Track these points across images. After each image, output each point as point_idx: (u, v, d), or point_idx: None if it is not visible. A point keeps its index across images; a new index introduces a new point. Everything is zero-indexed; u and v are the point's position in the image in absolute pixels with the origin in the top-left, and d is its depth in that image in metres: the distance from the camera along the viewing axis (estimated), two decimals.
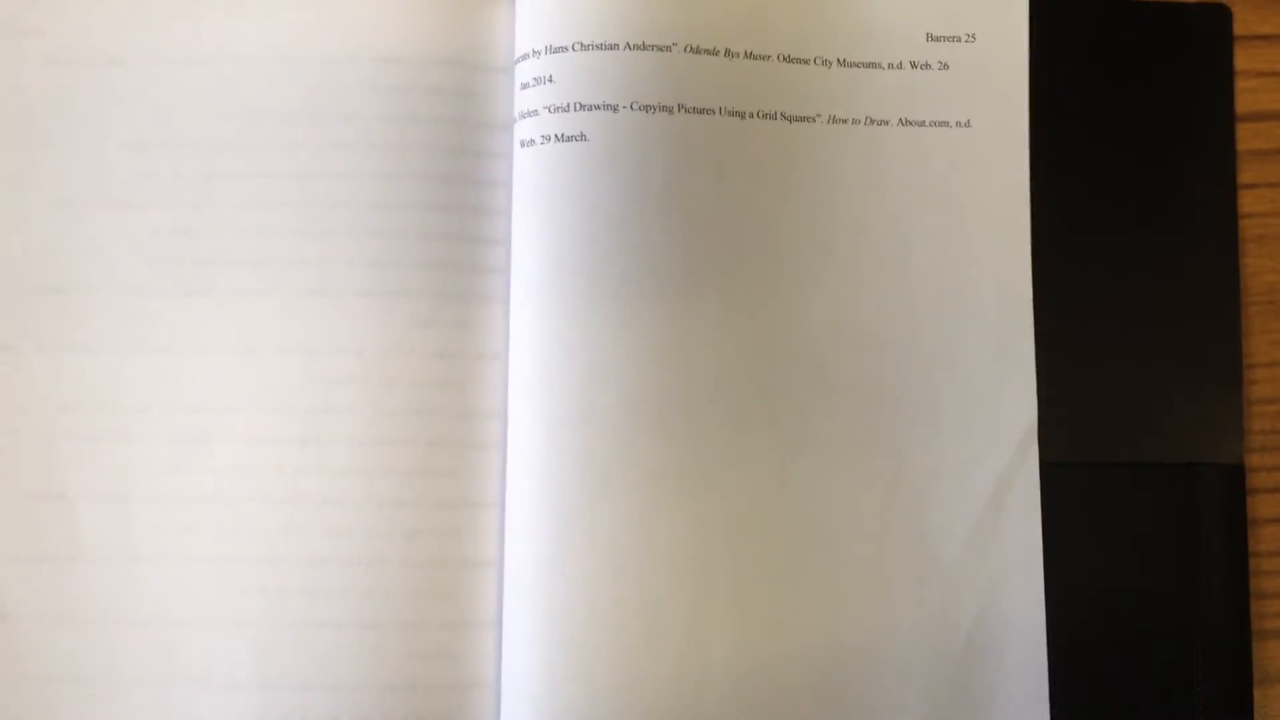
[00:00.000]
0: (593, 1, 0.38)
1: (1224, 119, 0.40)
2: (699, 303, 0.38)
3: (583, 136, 0.38)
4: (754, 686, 0.37)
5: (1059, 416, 0.39)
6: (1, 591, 0.37)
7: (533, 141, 0.38)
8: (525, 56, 0.39)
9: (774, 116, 0.39)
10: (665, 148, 0.38)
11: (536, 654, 0.36)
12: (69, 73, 0.39)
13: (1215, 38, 0.41)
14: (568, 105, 0.38)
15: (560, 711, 0.36)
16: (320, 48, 0.39)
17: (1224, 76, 0.41)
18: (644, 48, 0.38)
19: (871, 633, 0.38)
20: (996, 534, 0.38)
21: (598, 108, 0.38)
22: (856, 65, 0.40)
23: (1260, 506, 0.39)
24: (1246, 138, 0.41)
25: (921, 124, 0.40)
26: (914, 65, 0.40)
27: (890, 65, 0.40)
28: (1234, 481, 0.39)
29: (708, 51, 0.39)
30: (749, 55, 0.39)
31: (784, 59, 0.39)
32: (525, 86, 0.39)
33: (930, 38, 0.40)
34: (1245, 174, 0.40)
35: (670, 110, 0.38)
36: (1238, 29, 0.41)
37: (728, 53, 0.39)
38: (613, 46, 0.38)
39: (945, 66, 0.40)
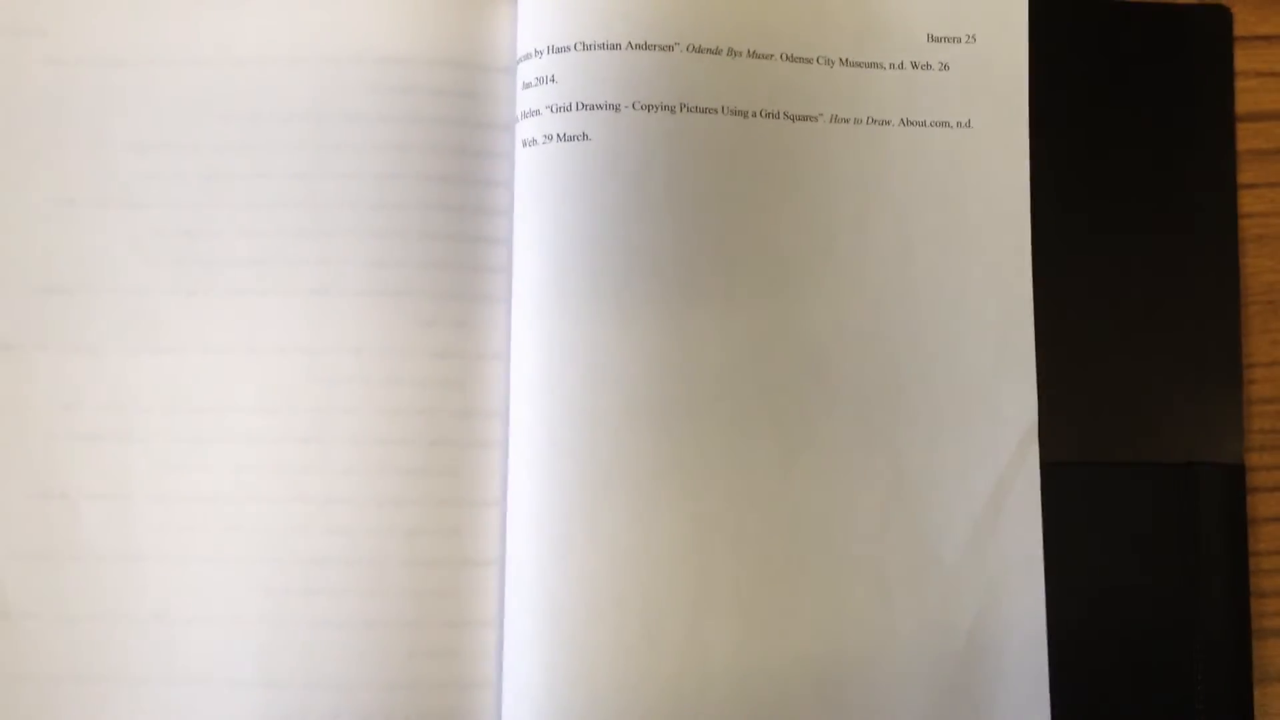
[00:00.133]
0: (595, 1, 0.38)
1: (1224, 119, 0.40)
2: (700, 302, 0.38)
3: (585, 136, 0.38)
4: (754, 685, 0.37)
5: (1059, 416, 0.39)
6: (3, 590, 0.37)
7: (535, 141, 0.38)
8: (527, 56, 0.39)
9: (776, 116, 0.39)
10: (667, 147, 0.38)
11: (537, 653, 0.36)
12: (71, 73, 0.39)
13: (1215, 38, 0.41)
14: (570, 105, 0.38)
15: (561, 710, 0.36)
16: (322, 48, 0.39)
17: (1224, 77, 0.41)
18: (646, 47, 0.38)
19: (872, 632, 0.38)
20: (997, 533, 0.38)
21: (600, 107, 0.38)
22: (858, 65, 0.40)
23: (1260, 506, 0.40)
24: (1246, 138, 0.41)
25: (922, 124, 0.40)
26: (915, 65, 0.40)
27: (891, 65, 0.40)
28: (1234, 481, 0.39)
29: (710, 51, 0.39)
30: (751, 55, 0.39)
31: (786, 59, 0.39)
32: (527, 86, 0.39)
33: (931, 38, 0.40)
34: (1245, 174, 0.41)
35: (672, 110, 0.38)
36: (1238, 29, 0.41)
37: (730, 52, 0.39)
38: (615, 46, 0.38)
39: (946, 67, 0.40)
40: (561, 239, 0.38)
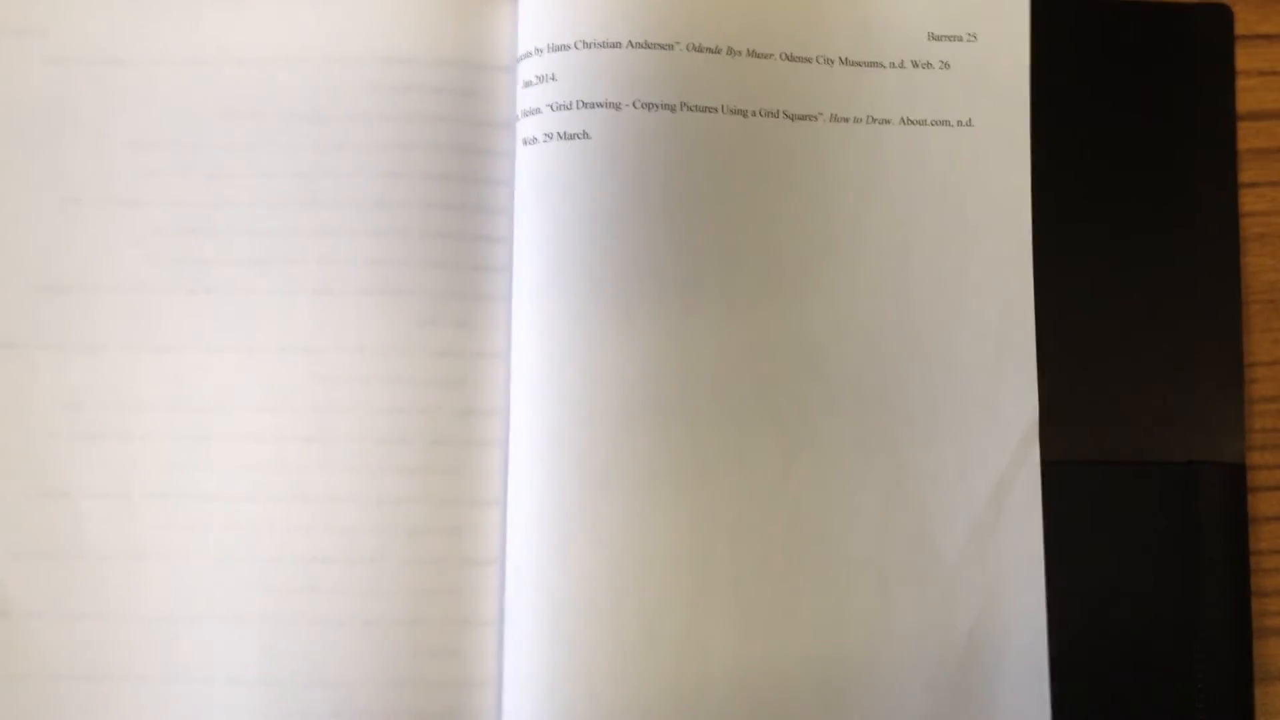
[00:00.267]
0: (595, 0, 0.38)
1: (1225, 118, 0.40)
2: (700, 301, 0.38)
3: (585, 134, 0.38)
4: (754, 685, 0.37)
5: (1059, 416, 0.39)
6: (5, 589, 0.37)
7: (535, 139, 0.38)
8: (528, 55, 0.39)
9: (776, 115, 0.39)
10: (667, 146, 0.38)
11: (538, 651, 0.36)
12: (71, 73, 0.39)
13: (1216, 37, 0.41)
14: (570, 103, 0.38)
15: (561, 709, 0.36)
16: (323, 47, 0.39)
17: (1225, 76, 0.41)
18: (646, 46, 0.38)
19: (871, 631, 0.38)
20: (997, 533, 0.38)
21: (600, 106, 0.38)
22: (858, 64, 0.40)
23: (1261, 505, 0.39)
24: (1247, 136, 0.41)
25: (923, 123, 0.40)
26: (915, 64, 0.40)
27: (892, 64, 0.40)
28: (1235, 480, 0.39)
29: (710, 50, 0.39)
30: (751, 54, 0.39)
31: (786, 58, 0.39)
32: (528, 85, 0.39)
33: (931, 37, 0.40)
34: (1246, 173, 0.41)
35: (672, 108, 0.38)
36: (1238, 28, 0.41)
37: (730, 51, 0.39)
38: (615, 45, 0.38)
39: (946, 66, 0.40)
40: (562, 237, 0.38)
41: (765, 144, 0.39)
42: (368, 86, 0.39)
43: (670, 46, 0.38)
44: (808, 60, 0.40)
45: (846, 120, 0.40)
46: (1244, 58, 0.41)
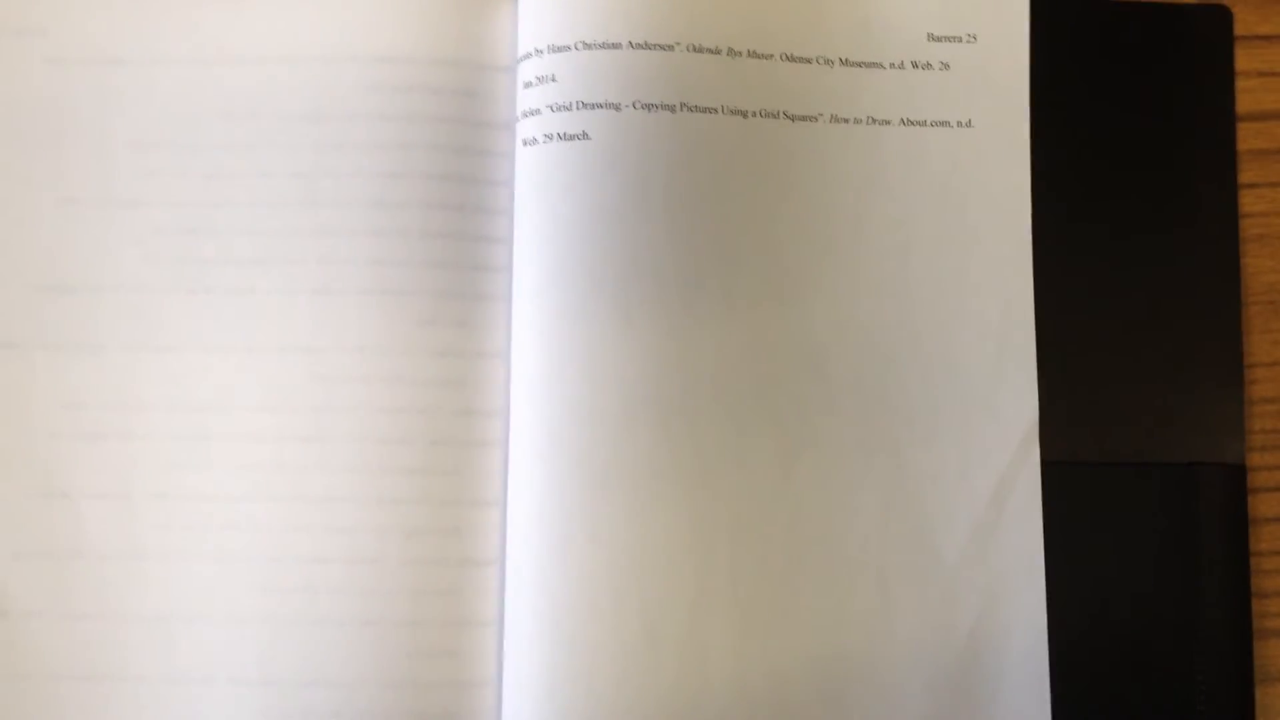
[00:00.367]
0: (595, 1, 0.38)
1: (1224, 119, 0.40)
2: (700, 301, 0.38)
3: (585, 135, 0.38)
4: (754, 685, 0.37)
5: (1059, 416, 0.39)
6: (5, 589, 0.37)
7: (535, 140, 0.38)
8: (528, 55, 0.39)
9: (776, 115, 0.39)
10: (667, 147, 0.38)
11: (538, 652, 0.36)
12: (71, 73, 0.39)
13: (1215, 38, 0.41)
14: (570, 104, 0.38)
15: (561, 710, 0.36)
16: (322, 47, 0.39)
17: (1224, 76, 0.41)
18: (646, 47, 0.38)
19: (872, 632, 0.38)
20: (997, 533, 0.38)
21: (600, 106, 0.38)
22: (858, 65, 0.40)
23: (1261, 505, 0.39)
24: (1247, 137, 0.41)
25: (922, 123, 0.40)
26: (915, 65, 0.40)
27: (891, 65, 0.40)
28: (1235, 481, 0.39)
29: (710, 51, 0.39)
30: (751, 54, 0.39)
31: (786, 58, 0.39)
32: (528, 85, 0.39)
33: (931, 38, 0.40)
34: (1246, 173, 0.41)
35: (672, 109, 0.38)
36: (1238, 29, 0.41)
37: (730, 52, 0.39)
38: (615, 45, 0.38)
39: (946, 66, 0.40)
40: (561, 238, 0.38)
41: (765, 144, 0.39)
42: (368, 87, 0.39)
43: (670, 47, 0.38)
44: (808, 61, 0.40)
45: (846, 121, 0.40)
46: (1243, 58, 0.41)
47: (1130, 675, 0.38)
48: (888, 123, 0.40)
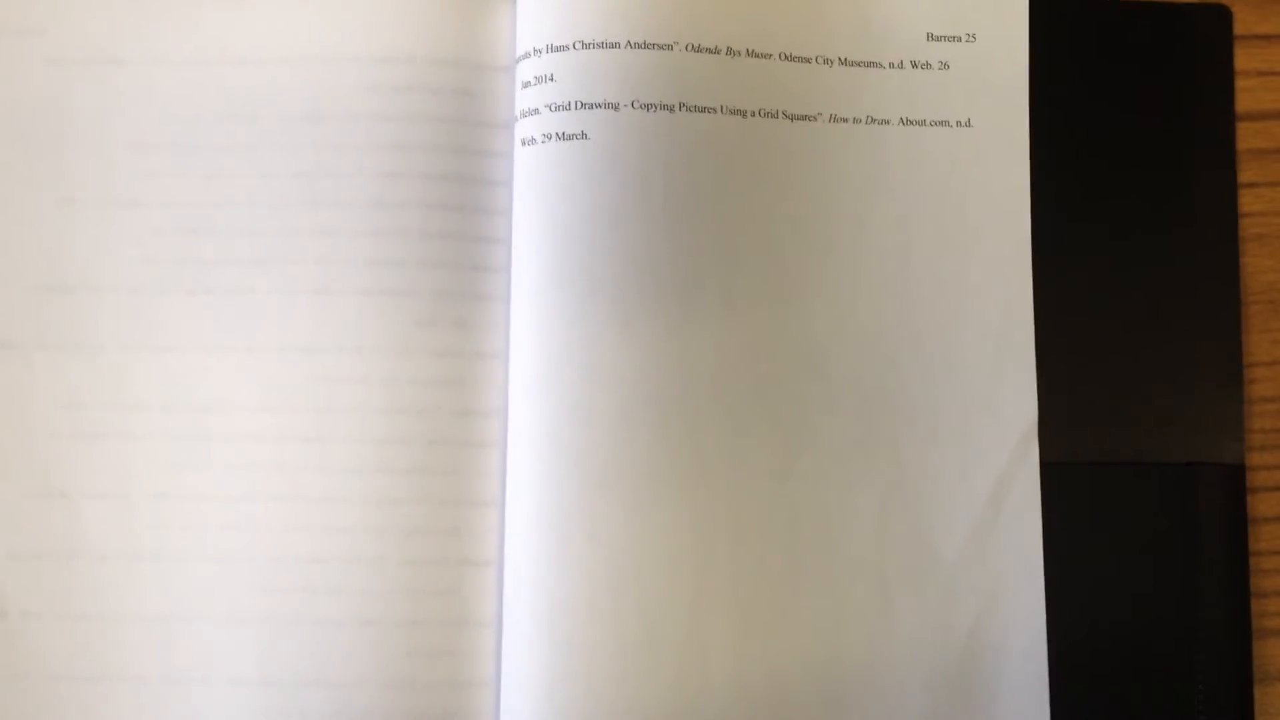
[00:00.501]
0: (593, 1, 0.38)
1: (1224, 118, 0.40)
2: (699, 302, 0.38)
3: (584, 135, 0.38)
4: (753, 685, 0.37)
5: (1059, 416, 0.39)
6: (4, 589, 0.38)
7: (534, 140, 0.38)
8: (526, 55, 0.39)
9: (775, 115, 0.39)
10: (666, 146, 0.38)
11: (536, 652, 0.36)
12: (71, 73, 0.39)
13: (1215, 37, 0.41)
14: (569, 104, 0.38)
15: (560, 709, 0.36)
16: (322, 48, 0.39)
17: (1224, 76, 0.41)
18: (645, 46, 0.38)
19: (871, 632, 0.38)
20: (996, 533, 0.38)
21: (599, 106, 0.38)
22: (857, 64, 0.40)
23: (1260, 505, 0.39)
24: (1246, 137, 0.41)
25: (922, 123, 0.40)
26: (914, 65, 0.40)
27: (891, 64, 0.40)
28: (1234, 481, 0.39)
29: (709, 50, 0.39)
30: (750, 54, 0.39)
31: (785, 58, 0.39)
32: (526, 85, 0.39)
33: (931, 37, 0.40)
34: (1245, 173, 0.41)
35: (671, 109, 0.38)
36: (1238, 28, 0.41)
37: (729, 51, 0.39)
38: (614, 45, 0.38)
39: (945, 66, 0.40)
40: (560, 238, 0.38)
41: (764, 144, 0.39)
42: (366, 87, 0.39)
43: (669, 47, 0.38)
44: (807, 60, 0.40)
45: (846, 120, 0.40)
46: (1243, 58, 0.41)
47: (1129, 675, 0.38)
48: (887, 122, 0.40)
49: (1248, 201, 0.40)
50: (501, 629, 0.37)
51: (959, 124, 0.40)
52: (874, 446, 0.38)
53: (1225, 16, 0.41)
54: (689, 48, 0.39)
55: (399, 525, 0.38)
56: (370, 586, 0.37)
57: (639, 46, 0.38)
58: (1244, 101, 0.41)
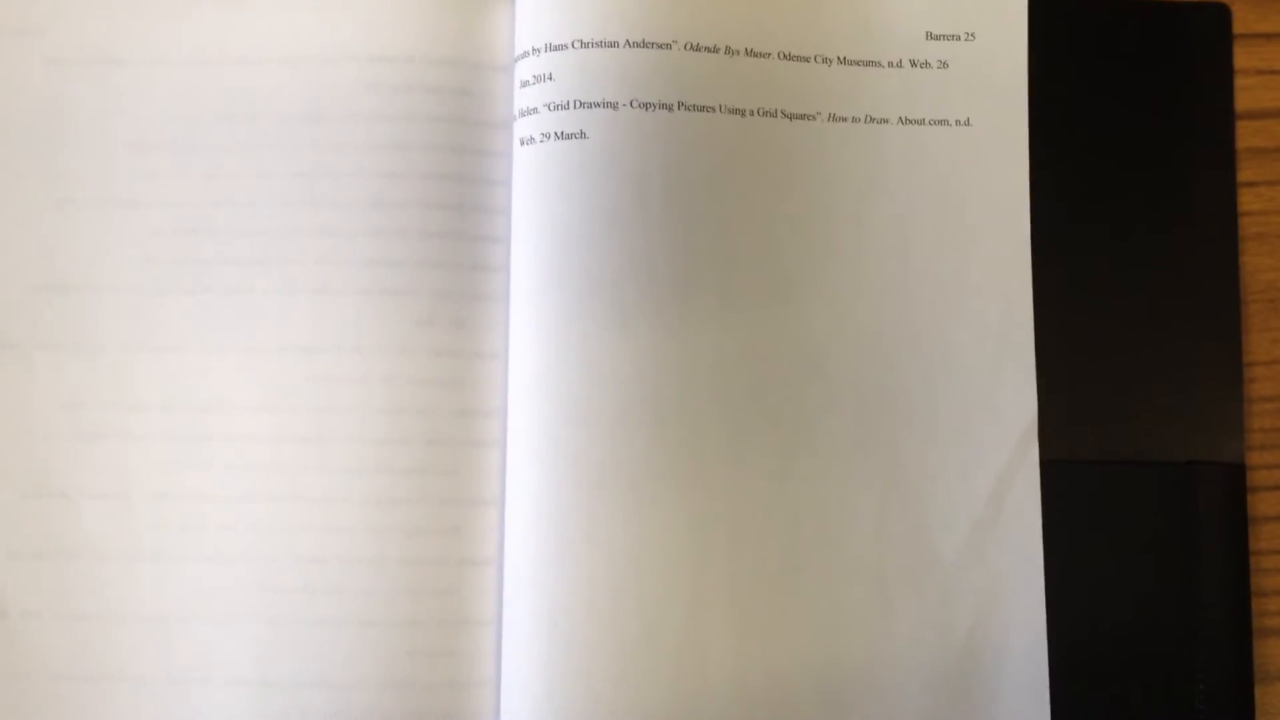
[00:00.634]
0: (592, 0, 0.38)
1: (1223, 117, 0.40)
2: (698, 301, 0.38)
3: (582, 134, 0.38)
4: (753, 685, 0.37)
5: (1059, 415, 0.39)
6: (3, 589, 0.38)
7: (532, 139, 0.38)
8: (525, 54, 0.39)
9: (774, 114, 0.39)
10: (665, 146, 0.38)
11: (536, 652, 0.36)
12: (71, 73, 0.39)
13: (1214, 36, 0.41)
14: (567, 103, 0.38)
15: (559, 709, 0.36)
16: (321, 47, 0.39)
17: (1223, 75, 0.41)
18: (644, 45, 0.38)
19: (871, 632, 0.38)
20: (996, 532, 0.38)
21: (597, 105, 0.38)
22: (856, 63, 0.40)
23: (1260, 504, 0.39)
24: (1246, 135, 0.41)
25: (921, 122, 0.40)
26: (913, 64, 0.40)
27: (890, 64, 0.40)
28: (1234, 480, 0.39)
29: (707, 49, 0.39)
30: (749, 53, 0.39)
31: (784, 57, 0.39)
32: (525, 84, 0.39)
33: (930, 36, 0.40)
34: (1245, 172, 0.41)
35: (670, 108, 0.38)
36: (1237, 27, 0.41)
37: (728, 50, 0.39)
38: (613, 44, 0.38)
39: (945, 65, 0.40)
40: (559, 237, 0.38)
41: (763, 143, 0.39)
42: (365, 86, 0.39)
43: (668, 46, 0.38)
44: (806, 59, 0.40)
45: (845, 120, 0.40)
46: (1242, 56, 0.41)
47: (1129, 675, 0.38)
48: (886, 121, 0.40)
49: (1247, 200, 0.40)
50: (501, 629, 0.37)
51: (958, 123, 0.40)
52: (873, 446, 0.38)
53: (1225, 15, 0.41)
54: (688, 47, 0.39)
55: (398, 525, 0.38)
56: (370, 586, 0.37)
57: (638, 46, 0.38)
58: (1243, 100, 0.41)
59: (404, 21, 0.39)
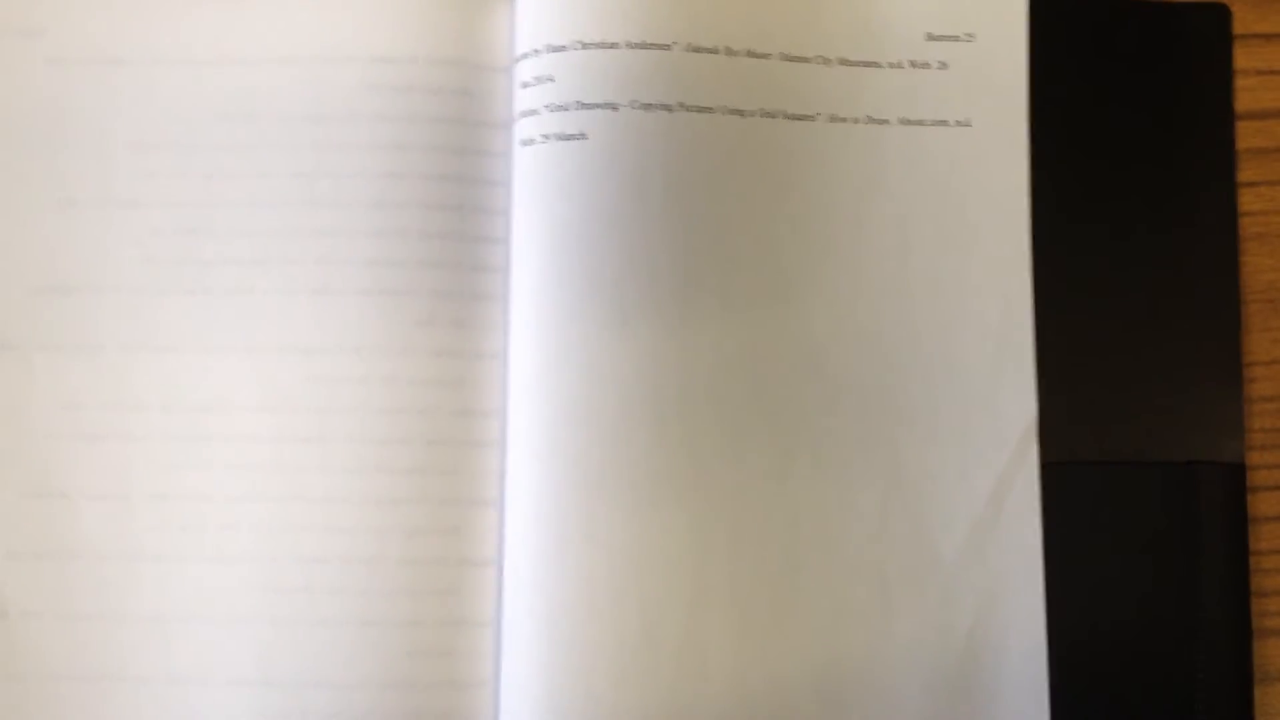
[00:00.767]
0: (592, 1, 0.38)
1: (1223, 117, 0.40)
2: (698, 302, 0.38)
3: (583, 135, 0.38)
4: (753, 686, 0.37)
5: (1059, 415, 0.39)
6: (3, 589, 0.38)
7: (533, 140, 0.38)
8: (525, 55, 0.39)
9: (774, 115, 0.39)
10: (665, 146, 0.38)
11: (535, 652, 0.36)
12: (71, 73, 0.39)
13: (1214, 36, 0.41)
14: (568, 104, 0.38)
15: (559, 710, 0.36)
16: (321, 48, 0.39)
17: (1223, 75, 0.41)
18: (644, 46, 0.38)
19: (871, 632, 0.38)
20: (996, 533, 0.38)
21: (598, 106, 0.38)
22: (856, 64, 0.40)
23: (1260, 504, 0.39)
24: (1246, 136, 0.41)
25: (921, 123, 0.40)
26: (914, 64, 0.40)
27: (890, 64, 0.40)
28: (1235, 480, 0.39)
29: (708, 50, 0.39)
30: (749, 54, 0.39)
31: (784, 58, 0.39)
32: (525, 85, 0.39)
33: (930, 37, 0.40)
34: (1245, 172, 0.41)
35: (670, 109, 0.38)
36: (1237, 28, 0.41)
37: (728, 51, 0.39)
38: (613, 45, 0.38)
39: (945, 66, 0.40)
40: (559, 238, 0.38)
41: (763, 144, 0.39)
42: (366, 87, 0.39)
43: (668, 47, 0.38)
44: (806, 60, 0.40)
45: (845, 120, 0.40)
46: (1242, 57, 0.41)
47: (1130, 675, 0.38)
48: (886, 122, 0.40)
49: (1247, 200, 0.40)
50: (500, 629, 0.37)
51: (958, 124, 0.40)
52: (873, 446, 0.38)
53: (1224, 15, 0.41)
54: (688, 48, 0.39)
55: (398, 525, 0.38)
56: (370, 587, 0.37)
57: (638, 46, 0.38)
58: (1243, 100, 0.41)
59: (404, 22, 0.39)
